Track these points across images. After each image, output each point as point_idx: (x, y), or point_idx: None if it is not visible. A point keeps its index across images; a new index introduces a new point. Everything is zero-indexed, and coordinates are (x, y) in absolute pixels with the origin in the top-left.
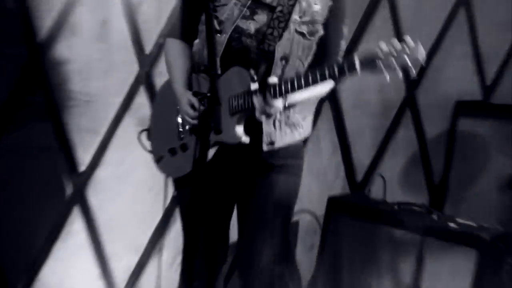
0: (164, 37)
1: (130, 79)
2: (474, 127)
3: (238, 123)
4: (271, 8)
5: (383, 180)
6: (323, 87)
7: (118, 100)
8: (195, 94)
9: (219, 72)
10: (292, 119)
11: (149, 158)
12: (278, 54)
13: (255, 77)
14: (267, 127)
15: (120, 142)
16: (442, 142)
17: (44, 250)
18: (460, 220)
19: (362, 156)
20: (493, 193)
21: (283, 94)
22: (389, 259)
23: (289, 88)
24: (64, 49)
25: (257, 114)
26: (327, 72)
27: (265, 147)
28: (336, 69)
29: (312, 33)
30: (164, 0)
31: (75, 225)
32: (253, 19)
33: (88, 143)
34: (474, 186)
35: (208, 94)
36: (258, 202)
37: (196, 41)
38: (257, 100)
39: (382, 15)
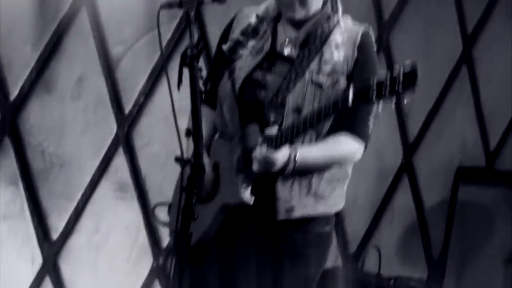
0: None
1: (108, 140)
2: (477, 195)
3: (243, 182)
4: (290, 61)
5: (378, 252)
6: (348, 149)
7: (94, 163)
8: (176, 160)
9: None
10: (317, 188)
11: (126, 226)
12: (290, 105)
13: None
14: (283, 191)
15: (95, 209)
16: (442, 211)
17: None
18: None
19: (356, 225)
20: (497, 266)
21: (283, 142)
22: None
23: (289, 134)
24: (37, 108)
25: (254, 166)
26: (323, 109)
27: (281, 215)
28: (331, 105)
29: (331, 84)
30: (144, 57)
31: None
32: (270, 71)
33: (61, 209)
34: (476, 259)
35: (192, 161)
36: None
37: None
38: (257, 153)
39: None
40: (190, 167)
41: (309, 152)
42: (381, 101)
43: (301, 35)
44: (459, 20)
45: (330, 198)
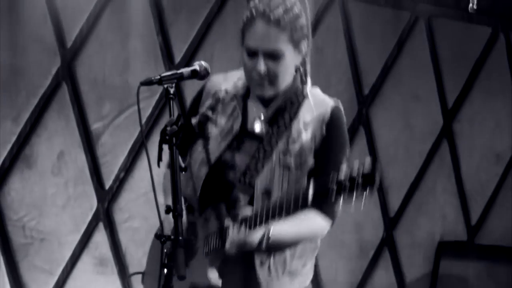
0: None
1: (88, 215)
2: (458, 269)
3: (211, 264)
4: (259, 139)
5: None
6: (318, 226)
7: (74, 238)
8: (157, 236)
9: (184, 213)
10: (290, 266)
11: None
12: (259, 188)
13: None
14: (263, 275)
15: (76, 283)
16: (423, 286)
17: None
18: None
19: None
20: None
21: (258, 224)
22: None
23: (263, 218)
24: (18, 183)
25: (227, 246)
26: (284, 203)
27: None
28: (292, 201)
29: (298, 166)
30: (124, 133)
31: None
32: (239, 150)
33: (42, 284)
34: None
35: (172, 237)
36: None
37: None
38: (233, 234)
39: (359, 147)
40: (171, 243)
41: (281, 231)
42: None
43: (269, 112)
44: (439, 94)
45: (303, 273)
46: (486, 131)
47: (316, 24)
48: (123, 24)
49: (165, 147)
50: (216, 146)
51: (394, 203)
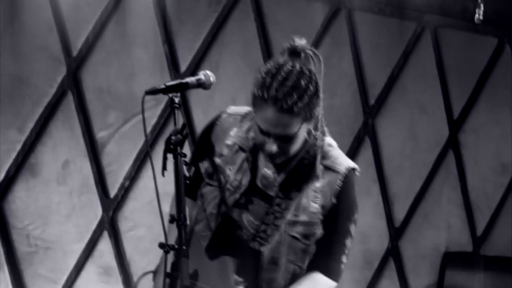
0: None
1: (93, 224)
2: (464, 280)
3: None
4: (269, 199)
5: None
6: None
7: (79, 247)
8: (160, 246)
9: (188, 222)
10: None
11: None
12: (266, 257)
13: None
14: None
15: None
16: None
17: None
18: None
19: None
20: None
21: None
22: None
23: None
24: (22, 191)
25: None
26: None
27: None
28: None
29: (307, 236)
30: (129, 142)
31: None
32: (248, 209)
33: None
34: None
35: (176, 246)
36: None
37: None
38: None
39: (365, 158)
40: (174, 253)
41: None
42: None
43: (281, 176)
44: (445, 105)
45: None
46: (491, 141)
47: (322, 35)
48: (129, 33)
49: (170, 156)
50: (226, 197)
51: (400, 213)
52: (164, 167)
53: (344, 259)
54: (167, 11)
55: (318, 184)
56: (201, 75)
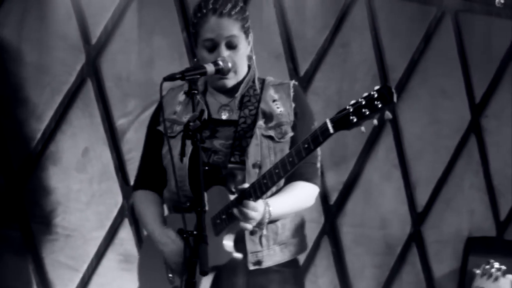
0: (131, 191)
1: (113, 211)
2: None
3: (226, 240)
4: (232, 123)
5: None
6: (308, 194)
7: (99, 234)
8: (179, 232)
9: (206, 208)
10: (281, 236)
11: None
12: (249, 162)
13: (233, 189)
14: (251, 245)
15: (101, 280)
16: (452, 282)
17: None
18: None
19: None
20: None
21: (262, 192)
22: None
23: (269, 182)
24: (42, 179)
25: (242, 224)
26: (303, 148)
27: (251, 266)
28: (311, 142)
29: (281, 135)
30: None
31: None
32: (216, 137)
33: (67, 280)
34: None
35: (195, 232)
36: None
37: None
38: (237, 211)
39: (386, 143)
40: (194, 238)
41: (278, 203)
42: (362, 123)
43: (236, 100)
44: (467, 89)
45: (294, 244)
46: None
47: (341, 20)
48: (148, 21)
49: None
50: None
51: (422, 198)
52: (182, 153)
53: (318, 164)
54: None
55: (274, 95)
56: (219, 61)
